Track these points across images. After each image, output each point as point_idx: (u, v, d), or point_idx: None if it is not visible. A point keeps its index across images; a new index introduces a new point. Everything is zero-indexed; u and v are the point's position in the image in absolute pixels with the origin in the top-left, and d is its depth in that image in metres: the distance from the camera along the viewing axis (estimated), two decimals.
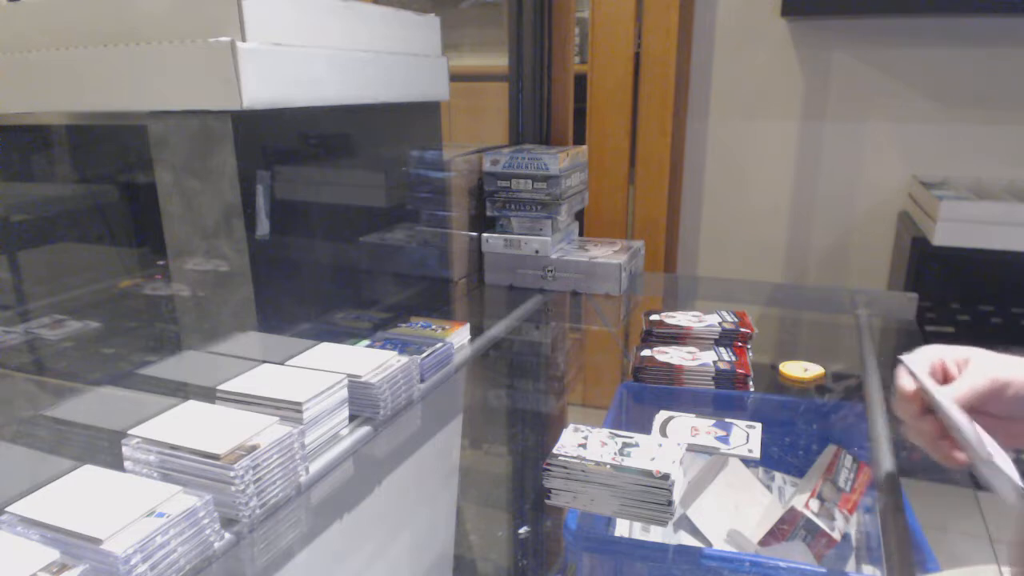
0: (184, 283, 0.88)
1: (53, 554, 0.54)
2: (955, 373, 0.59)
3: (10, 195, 1.07)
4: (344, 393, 0.79)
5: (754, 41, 1.84)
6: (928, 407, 0.57)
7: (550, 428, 1.04)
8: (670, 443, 0.67)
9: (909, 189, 1.76)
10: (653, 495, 0.62)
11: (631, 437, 0.68)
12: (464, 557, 0.81)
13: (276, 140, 0.90)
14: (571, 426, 0.70)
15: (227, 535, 0.63)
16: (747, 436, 0.75)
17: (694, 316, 1.04)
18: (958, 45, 1.67)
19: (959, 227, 1.41)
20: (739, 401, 0.89)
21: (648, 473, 0.62)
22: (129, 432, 0.68)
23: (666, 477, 0.61)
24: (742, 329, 0.99)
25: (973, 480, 0.76)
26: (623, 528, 0.80)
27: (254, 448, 0.65)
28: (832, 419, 0.89)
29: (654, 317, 1.03)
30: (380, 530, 0.77)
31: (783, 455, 0.91)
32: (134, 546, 0.54)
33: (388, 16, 1.06)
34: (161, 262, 0.91)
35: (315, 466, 0.74)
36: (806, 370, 1.02)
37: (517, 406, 1.12)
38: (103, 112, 0.88)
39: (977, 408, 0.57)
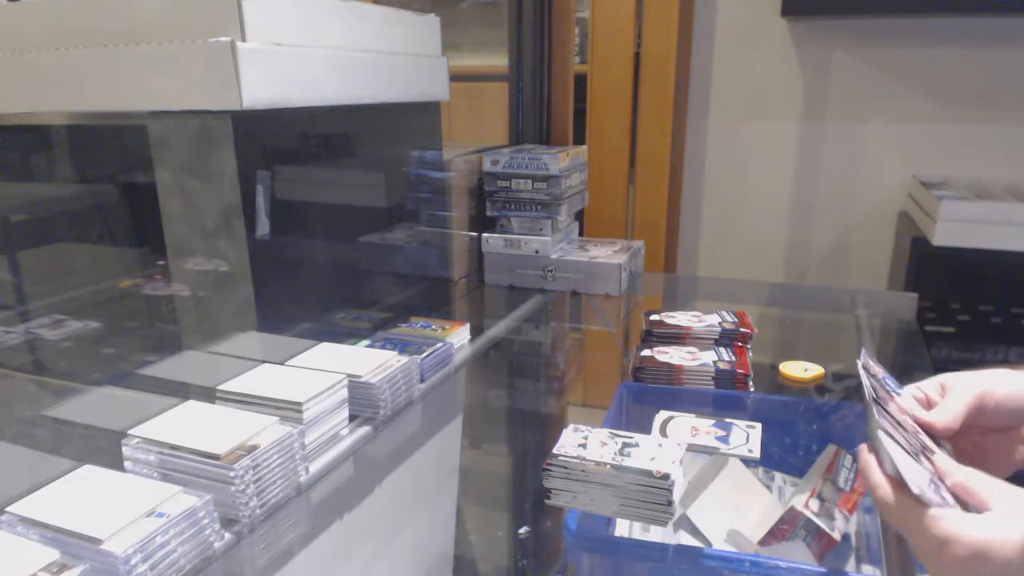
0: (184, 283, 0.88)
1: (53, 554, 0.54)
2: (938, 399, 0.59)
3: (10, 195, 1.07)
4: (344, 393, 0.79)
5: (754, 41, 1.84)
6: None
7: (550, 428, 1.04)
8: (670, 443, 0.67)
9: (909, 189, 1.76)
10: (653, 495, 0.62)
11: (631, 437, 0.68)
12: (464, 557, 0.81)
13: (276, 140, 0.90)
14: (571, 426, 0.70)
15: (227, 535, 0.63)
16: (747, 436, 0.74)
17: (694, 316, 1.04)
18: (958, 45, 1.67)
19: (959, 227, 1.41)
20: (739, 401, 0.89)
21: (648, 473, 0.62)
22: (129, 432, 0.68)
23: (666, 477, 0.61)
24: (742, 329, 0.99)
25: None
26: (623, 528, 0.80)
27: (254, 448, 0.65)
28: (832, 419, 0.89)
29: (654, 317, 1.03)
30: (380, 530, 0.78)
31: (783, 455, 0.91)
32: (134, 546, 0.54)
33: (388, 16, 1.06)
34: (161, 262, 0.91)
35: (315, 466, 0.74)
36: (806, 370, 1.02)
37: (517, 406, 1.12)
38: (103, 112, 0.88)
39: (966, 424, 0.57)
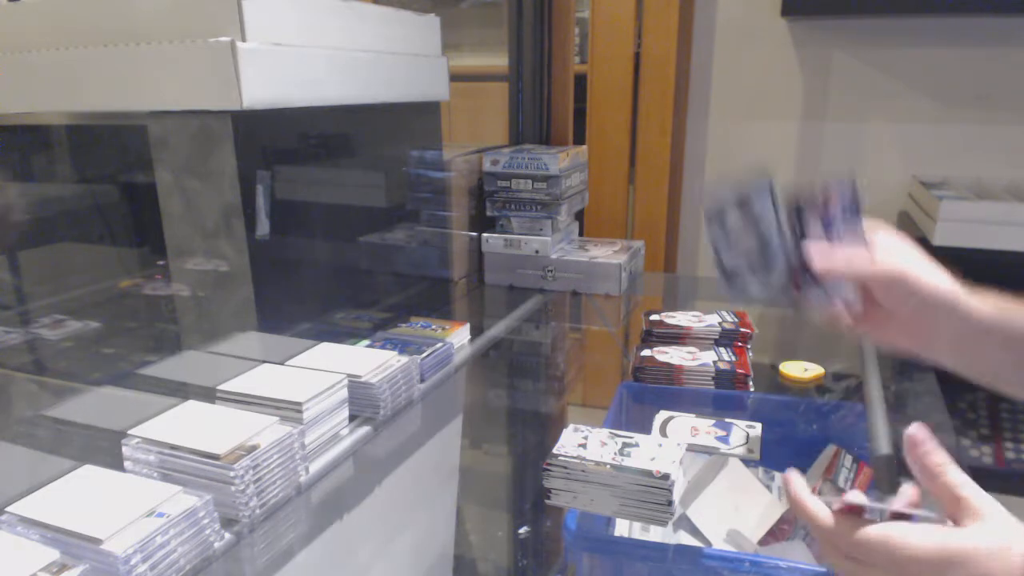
0: (184, 283, 0.88)
1: (53, 554, 0.54)
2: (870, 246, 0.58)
3: (10, 195, 1.07)
4: (344, 393, 0.79)
5: (754, 41, 1.84)
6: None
7: (550, 428, 1.04)
8: (670, 443, 0.67)
9: (909, 189, 1.76)
10: (653, 495, 0.62)
11: (631, 437, 0.68)
12: (464, 557, 0.81)
13: (276, 140, 0.90)
14: (571, 426, 0.70)
15: (227, 535, 0.63)
16: (747, 436, 0.75)
17: (694, 316, 1.04)
18: (958, 45, 1.67)
19: (959, 227, 1.41)
20: (739, 401, 0.89)
21: (648, 473, 0.62)
22: (129, 432, 0.68)
23: (666, 477, 0.61)
24: (742, 329, 0.99)
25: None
26: (623, 528, 0.80)
27: (254, 448, 0.65)
28: (832, 419, 0.89)
29: (654, 317, 1.03)
30: (380, 530, 0.77)
31: (783, 455, 0.91)
32: (134, 546, 0.54)
33: (388, 16, 1.06)
34: (161, 262, 0.91)
35: (315, 466, 0.74)
36: (806, 370, 1.02)
37: (517, 406, 1.12)
38: (103, 112, 0.88)
39: (868, 290, 0.57)
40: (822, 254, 0.57)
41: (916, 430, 0.49)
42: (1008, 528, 0.44)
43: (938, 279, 0.58)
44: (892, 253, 0.58)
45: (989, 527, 0.44)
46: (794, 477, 0.52)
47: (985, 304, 0.58)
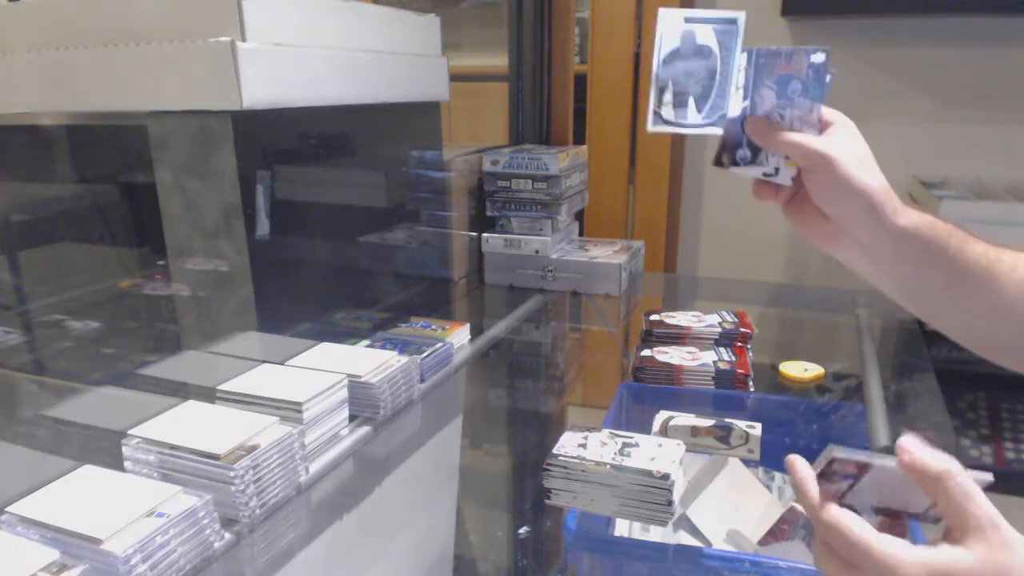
0: (184, 283, 0.88)
1: (53, 554, 0.54)
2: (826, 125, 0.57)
3: (10, 195, 1.07)
4: (344, 393, 0.79)
5: (754, 41, 1.84)
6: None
7: (550, 428, 1.04)
8: (670, 443, 0.67)
9: (909, 189, 1.76)
10: (653, 495, 0.62)
11: (631, 437, 0.68)
12: (464, 557, 0.81)
13: (276, 140, 0.90)
14: (571, 426, 0.70)
15: (227, 535, 0.63)
16: (747, 436, 0.75)
17: (694, 316, 1.04)
18: (958, 45, 1.67)
19: None
20: (739, 401, 0.89)
21: (648, 473, 0.62)
22: (129, 432, 0.68)
23: (666, 477, 0.61)
24: (742, 329, 0.99)
25: None
26: (623, 528, 0.80)
27: (254, 448, 0.65)
28: (832, 419, 0.89)
29: (654, 317, 1.03)
30: (380, 530, 0.78)
31: (783, 455, 0.91)
32: (134, 546, 0.54)
33: (388, 16, 1.06)
34: (161, 262, 0.91)
35: (315, 466, 0.74)
36: (806, 370, 1.02)
37: (517, 406, 1.12)
38: (103, 112, 0.88)
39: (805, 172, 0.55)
40: (759, 117, 0.55)
41: (905, 441, 0.46)
42: (1015, 551, 0.41)
43: (866, 175, 0.55)
44: (832, 137, 0.55)
45: (993, 547, 0.41)
46: (798, 463, 0.50)
47: (908, 215, 0.56)
